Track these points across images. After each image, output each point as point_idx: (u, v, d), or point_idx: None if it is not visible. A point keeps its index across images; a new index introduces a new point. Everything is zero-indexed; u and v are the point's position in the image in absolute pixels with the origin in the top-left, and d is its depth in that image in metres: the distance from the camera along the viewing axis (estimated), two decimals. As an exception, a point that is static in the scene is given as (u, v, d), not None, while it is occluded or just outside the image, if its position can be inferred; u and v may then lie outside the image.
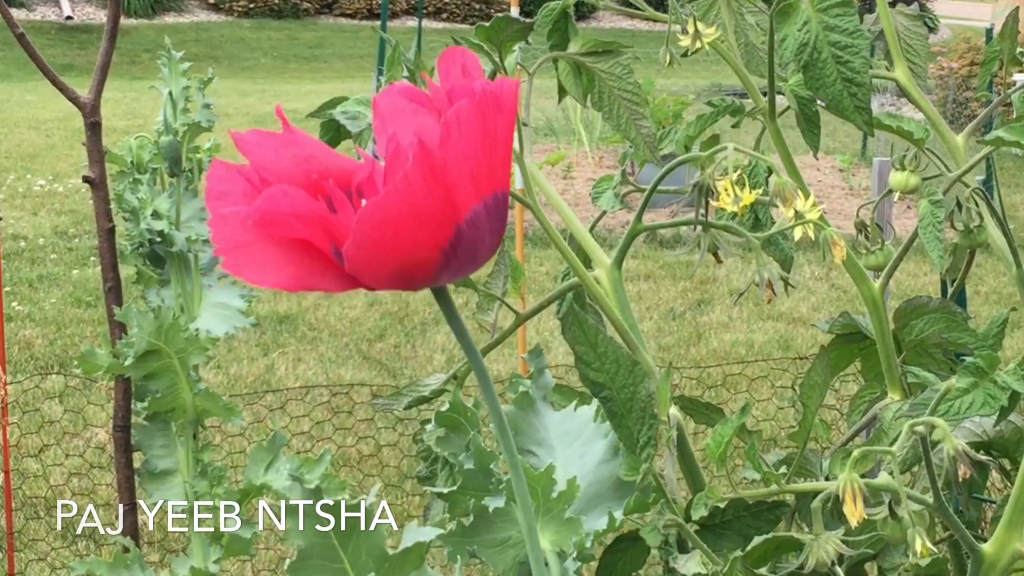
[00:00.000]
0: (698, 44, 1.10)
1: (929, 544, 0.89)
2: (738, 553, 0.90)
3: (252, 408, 3.22)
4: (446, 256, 0.53)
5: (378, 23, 13.85)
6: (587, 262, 1.11)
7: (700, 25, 1.10)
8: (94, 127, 1.84)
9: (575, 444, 0.85)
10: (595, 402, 0.90)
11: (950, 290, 1.38)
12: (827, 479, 1.04)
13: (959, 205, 1.18)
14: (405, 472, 3.03)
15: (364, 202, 0.54)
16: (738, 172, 0.96)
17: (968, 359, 1.05)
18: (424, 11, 8.78)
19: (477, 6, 14.70)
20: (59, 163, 7.12)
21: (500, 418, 0.62)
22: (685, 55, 1.13)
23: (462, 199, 0.52)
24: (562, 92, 1.11)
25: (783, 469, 1.16)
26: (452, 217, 0.52)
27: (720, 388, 3.39)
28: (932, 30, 16.00)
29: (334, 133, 0.99)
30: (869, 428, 1.27)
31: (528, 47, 1.11)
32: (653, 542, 0.93)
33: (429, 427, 0.86)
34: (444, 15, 14.66)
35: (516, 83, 0.53)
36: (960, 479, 0.86)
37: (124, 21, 13.24)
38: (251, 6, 14.23)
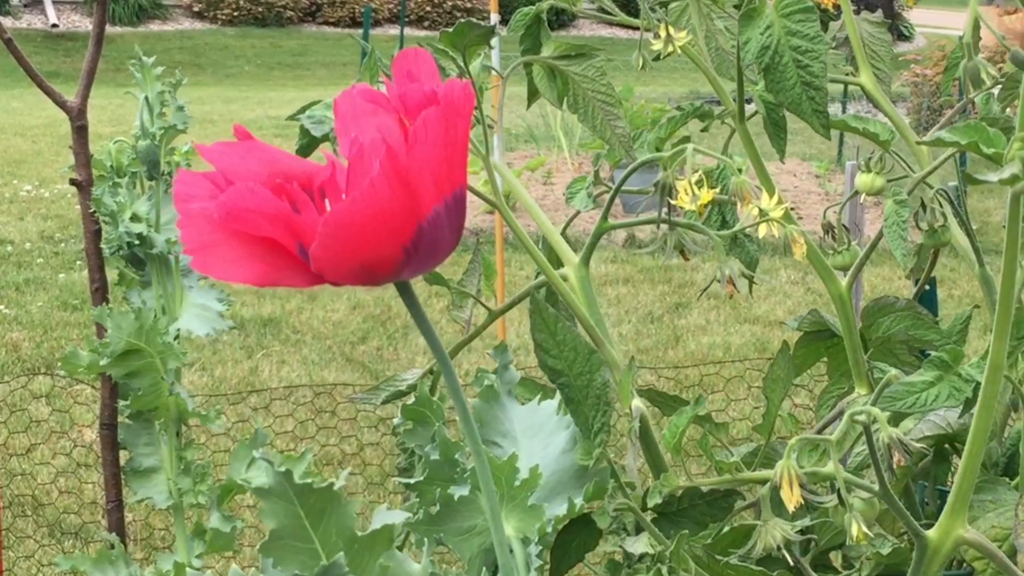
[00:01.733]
0: (670, 48, 1.14)
1: (865, 529, 0.92)
2: (685, 534, 0.94)
3: (236, 408, 3.27)
4: (408, 253, 0.55)
5: (361, 31, 13.89)
6: (558, 262, 1.16)
7: (671, 30, 1.14)
8: (81, 131, 1.89)
9: (539, 436, 0.88)
10: (558, 396, 0.94)
11: (914, 291, 1.42)
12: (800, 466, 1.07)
13: (923, 206, 1.21)
14: (387, 471, 3.07)
15: (327, 202, 0.57)
16: (697, 172, 1.01)
17: (933, 354, 1.09)
18: (406, 19, 8.82)
19: (458, 14, 14.75)
20: (45, 169, 7.14)
21: (464, 408, 0.64)
22: (657, 59, 1.17)
23: (424, 199, 0.54)
24: (532, 96, 1.16)
25: (750, 460, 1.20)
26: (415, 216, 0.54)
27: (697, 388, 3.45)
28: (907, 38, 16.05)
29: (310, 138, 1.04)
30: (836, 422, 1.31)
31: (506, 54, 1.15)
32: (603, 524, 0.97)
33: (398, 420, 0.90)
34: (426, 23, 14.70)
35: (468, 86, 0.56)
36: (895, 465, 0.90)
37: (109, 29, 13.22)
38: (235, 14, 14.24)
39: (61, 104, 1.90)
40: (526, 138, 7.64)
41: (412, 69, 0.58)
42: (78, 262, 5.25)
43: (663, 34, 1.12)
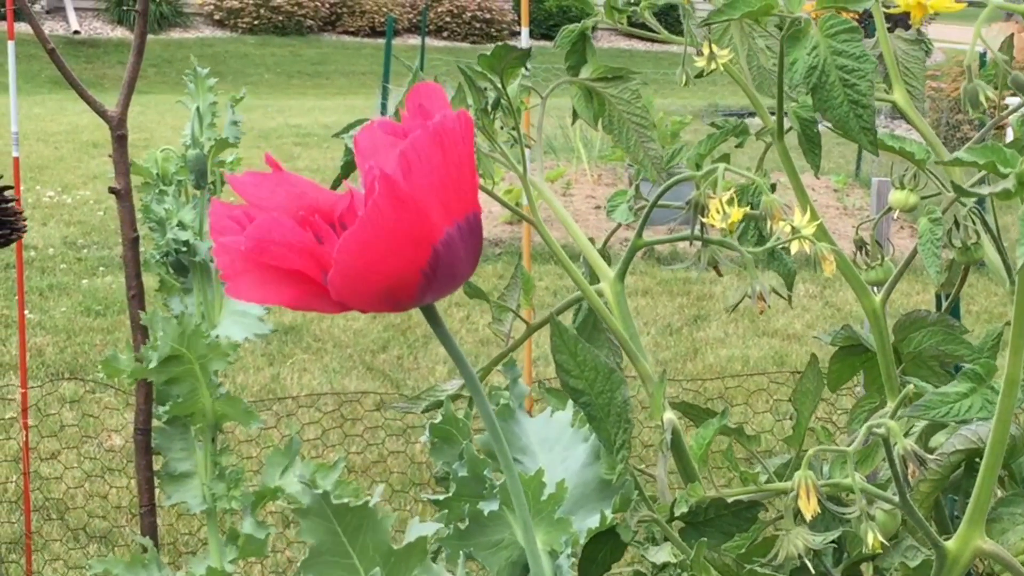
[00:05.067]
0: (713, 65, 1.17)
1: (881, 538, 0.94)
2: (704, 541, 0.96)
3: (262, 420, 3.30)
4: (427, 277, 0.58)
5: (380, 40, 13.95)
6: (589, 276, 1.19)
7: (714, 48, 1.16)
8: (121, 140, 1.93)
9: (555, 449, 0.91)
10: (570, 406, 0.95)
11: (944, 305, 1.44)
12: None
13: (957, 223, 1.22)
14: (410, 478, 3.10)
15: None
16: (730, 191, 1.03)
17: (967, 366, 1.10)
18: (426, 29, 8.87)
19: (478, 25, 14.81)
20: (67, 175, 7.20)
21: (495, 428, 0.67)
22: (700, 76, 1.19)
23: (436, 222, 0.57)
24: (576, 115, 1.19)
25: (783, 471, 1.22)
26: (428, 240, 0.57)
27: (719, 402, 3.47)
28: (926, 53, 16.02)
29: (353, 155, 1.06)
30: (868, 436, 1.32)
31: (537, 72, 1.17)
32: (626, 537, 0.99)
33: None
34: (445, 33, 14.76)
35: (466, 115, 0.58)
36: (910, 477, 0.92)
37: (129, 36, 13.33)
38: (256, 23, 14.33)
39: (101, 113, 1.93)
40: (545, 149, 7.67)
41: (424, 103, 0.60)
42: (101, 268, 5.29)
43: (707, 52, 1.14)
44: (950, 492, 1.30)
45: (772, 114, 1.24)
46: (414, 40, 12.93)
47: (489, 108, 1.03)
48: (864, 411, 1.28)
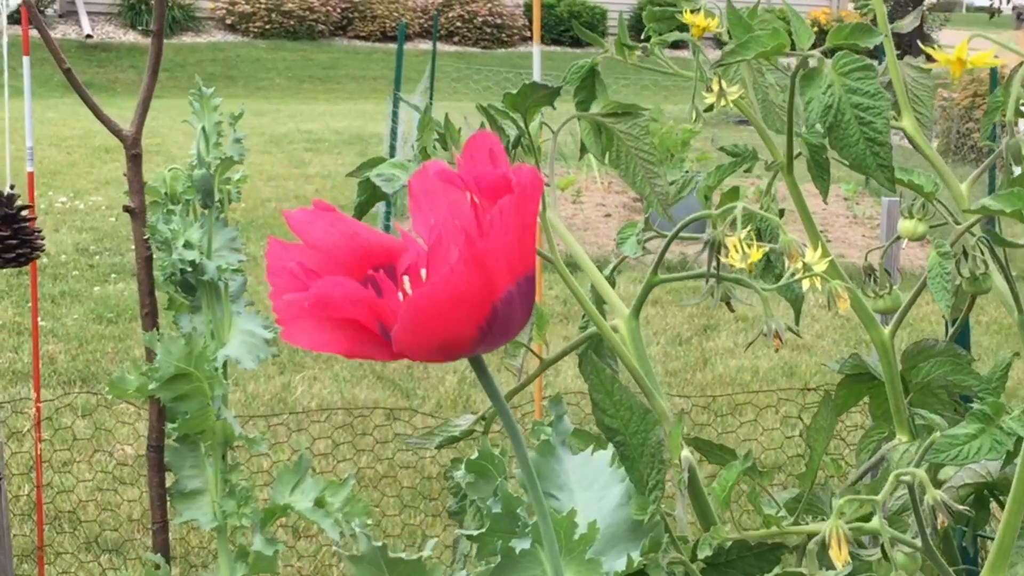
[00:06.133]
0: (723, 103, 1.18)
1: None
2: None
3: (270, 425, 3.31)
4: (483, 332, 0.59)
5: (391, 45, 13.98)
6: (600, 303, 1.19)
7: (724, 83, 1.17)
8: (135, 159, 1.94)
9: (593, 488, 0.91)
10: (611, 447, 0.97)
11: (953, 326, 1.44)
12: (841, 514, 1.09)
13: (965, 253, 1.22)
14: (420, 491, 3.11)
15: (407, 280, 0.60)
16: (747, 229, 1.04)
17: (975, 405, 1.10)
18: (437, 34, 8.89)
19: (488, 30, 14.83)
20: (80, 180, 7.22)
21: (529, 469, 0.68)
22: (709, 110, 1.20)
23: (499, 281, 0.58)
24: (584, 149, 1.20)
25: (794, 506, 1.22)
26: (489, 298, 0.58)
27: (728, 418, 3.48)
28: (935, 61, 15.98)
29: (371, 193, 1.07)
30: (876, 467, 1.32)
31: (547, 80, 1.17)
32: None
33: (460, 472, 0.93)
34: (456, 38, 14.79)
35: (536, 172, 0.59)
36: (939, 527, 0.93)
37: (141, 40, 13.38)
38: (267, 27, 14.36)
39: (116, 133, 1.95)
40: (556, 156, 7.68)
41: (494, 149, 0.61)
42: (113, 275, 5.31)
43: (716, 88, 1.15)
44: (958, 523, 1.31)
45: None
46: (425, 45, 12.94)
47: (510, 147, 1.04)
48: (872, 441, 1.29)
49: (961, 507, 0.89)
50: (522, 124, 1.06)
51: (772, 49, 1.06)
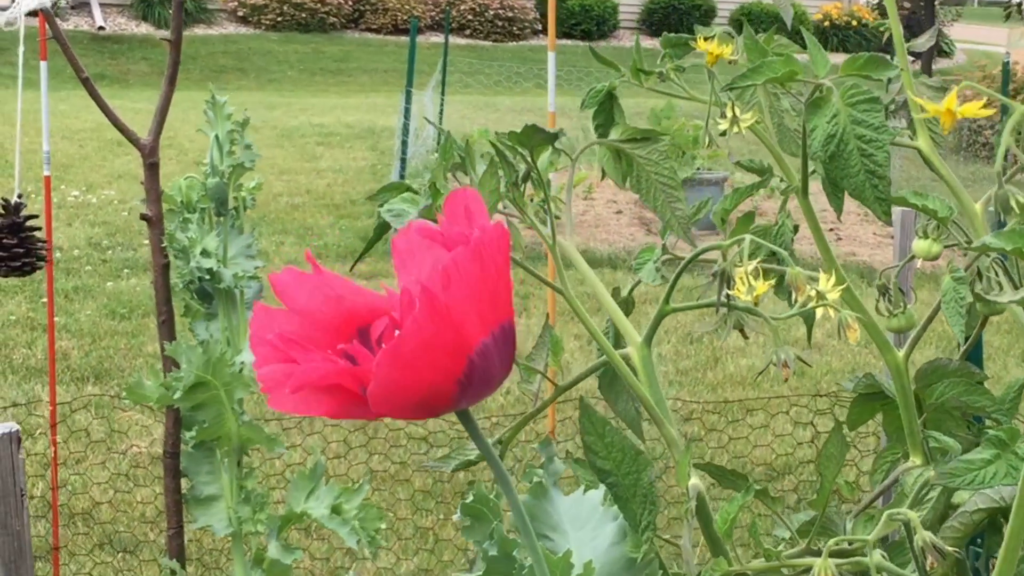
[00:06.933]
0: (736, 129, 1.18)
1: None
2: None
3: (282, 425, 3.33)
4: (462, 386, 0.59)
5: (402, 38, 13.99)
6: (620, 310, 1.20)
7: (738, 110, 1.17)
8: (152, 168, 1.95)
9: (586, 527, 0.93)
10: (602, 486, 0.98)
11: (963, 348, 1.44)
12: (849, 543, 1.10)
13: (979, 274, 1.23)
14: (429, 490, 3.13)
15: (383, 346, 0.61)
16: (754, 263, 1.04)
17: (989, 428, 1.10)
18: (449, 27, 8.90)
19: (500, 23, 14.84)
20: (92, 174, 7.24)
21: (521, 515, 0.69)
22: (723, 135, 1.21)
23: (471, 333, 0.58)
24: (604, 172, 1.21)
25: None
26: (464, 351, 0.58)
27: (741, 425, 3.49)
28: (947, 55, 15.96)
29: (384, 221, 1.08)
30: (890, 490, 1.33)
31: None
32: None
33: (456, 516, 0.94)
34: (467, 31, 14.79)
35: (501, 226, 0.60)
36: (929, 568, 0.93)
37: (154, 32, 13.40)
38: (279, 19, 14.38)
39: (134, 142, 1.96)
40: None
41: (470, 206, 0.62)
42: (125, 270, 5.33)
43: (730, 114, 1.16)
44: (971, 544, 1.32)
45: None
46: (437, 38, 12.94)
47: (519, 181, 1.05)
48: (886, 462, 1.29)
49: (952, 550, 0.90)
50: (530, 159, 1.07)
51: (783, 76, 1.07)
